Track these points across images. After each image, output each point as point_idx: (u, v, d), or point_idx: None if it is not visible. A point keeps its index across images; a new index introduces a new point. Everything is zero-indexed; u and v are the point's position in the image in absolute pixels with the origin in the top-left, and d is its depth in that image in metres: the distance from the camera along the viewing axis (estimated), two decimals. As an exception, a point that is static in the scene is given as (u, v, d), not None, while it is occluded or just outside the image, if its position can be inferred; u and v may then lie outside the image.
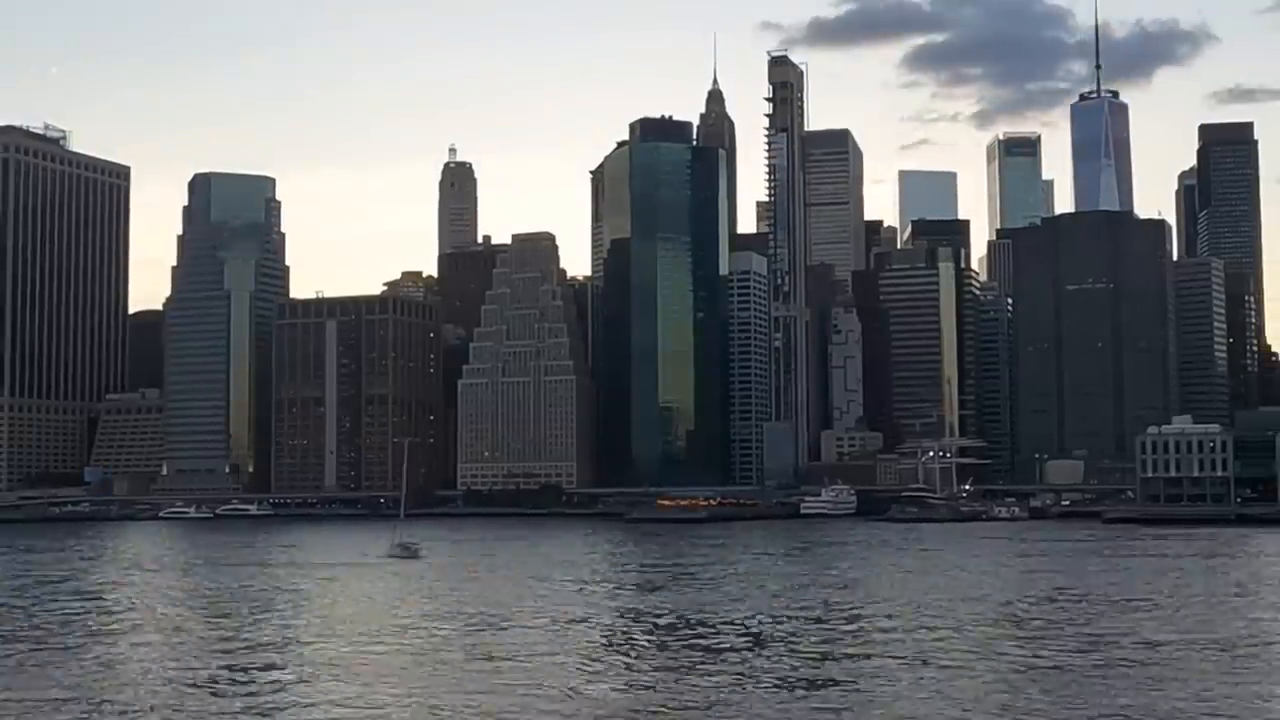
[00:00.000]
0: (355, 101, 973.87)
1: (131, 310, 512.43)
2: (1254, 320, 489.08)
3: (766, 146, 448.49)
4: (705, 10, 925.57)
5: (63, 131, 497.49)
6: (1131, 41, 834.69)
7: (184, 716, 55.48)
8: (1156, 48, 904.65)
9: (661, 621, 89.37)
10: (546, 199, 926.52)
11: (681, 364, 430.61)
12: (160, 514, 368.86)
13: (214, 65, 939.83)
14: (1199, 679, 62.43)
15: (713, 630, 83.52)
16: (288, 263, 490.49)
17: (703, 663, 68.89)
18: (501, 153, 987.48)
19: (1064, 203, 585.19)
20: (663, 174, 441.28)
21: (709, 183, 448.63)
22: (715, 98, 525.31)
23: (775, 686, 61.18)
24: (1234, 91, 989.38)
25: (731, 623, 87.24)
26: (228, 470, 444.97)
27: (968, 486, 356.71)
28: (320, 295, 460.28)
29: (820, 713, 55.21)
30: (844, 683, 62.19)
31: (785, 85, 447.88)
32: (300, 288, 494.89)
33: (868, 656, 70.94)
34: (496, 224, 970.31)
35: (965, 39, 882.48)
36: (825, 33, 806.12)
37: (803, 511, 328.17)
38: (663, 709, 56.23)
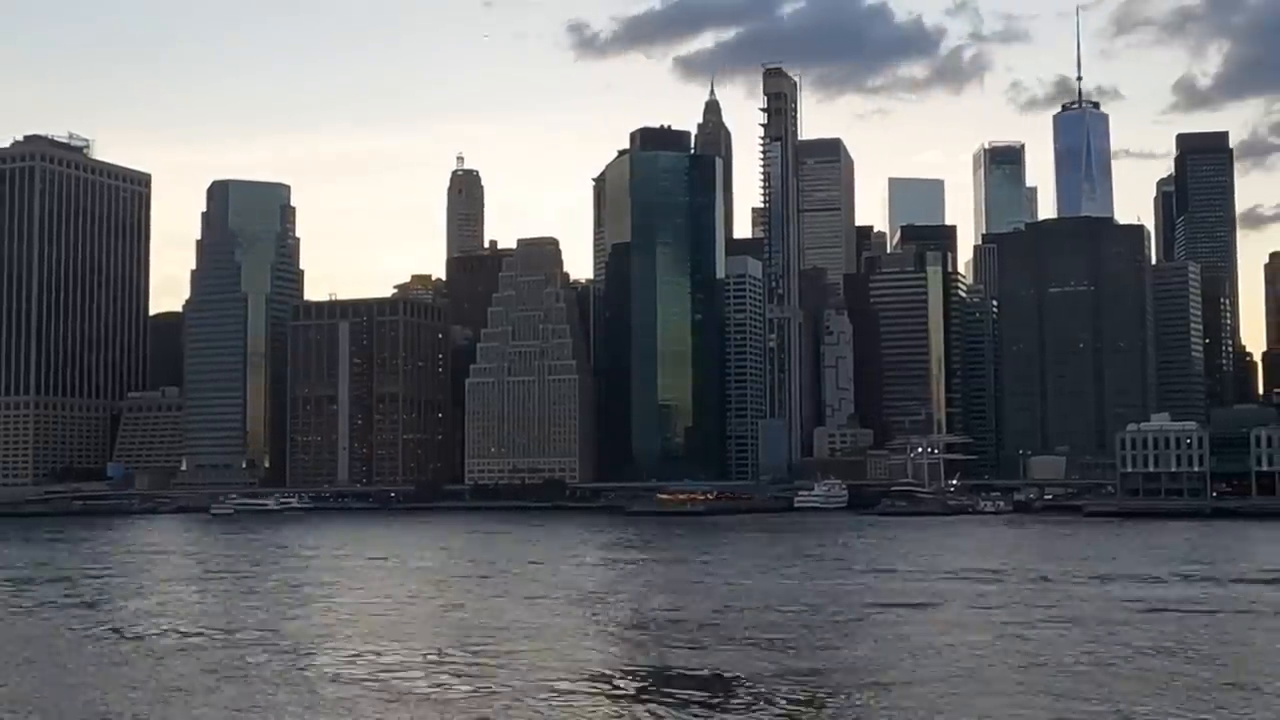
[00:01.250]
0: (368, 111, 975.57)
1: (152, 312, 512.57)
2: (1229, 322, 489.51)
3: (761, 155, 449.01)
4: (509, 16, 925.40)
5: (86, 140, 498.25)
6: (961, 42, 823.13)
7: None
8: (986, 46, 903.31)
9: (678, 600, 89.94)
10: (550, 205, 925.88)
11: (680, 363, 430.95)
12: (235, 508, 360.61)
13: (231, 77, 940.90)
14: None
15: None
16: (302, 266, 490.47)
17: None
18: (507, 161, 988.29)
19: (1047, 209, 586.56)
20: (662, 181, 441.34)
21: (706, 190, 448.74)
22: (712, 108, 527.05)
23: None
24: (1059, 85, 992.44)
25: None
26: (245, 465, 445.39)
27: (955, 481, 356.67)
28: (333, 298, 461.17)
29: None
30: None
31: (779, 96, 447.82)
32: (314, 290, 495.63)
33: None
34: (502, 229, 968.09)
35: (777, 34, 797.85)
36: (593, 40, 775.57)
37: (796, 505, 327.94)
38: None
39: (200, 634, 76.27)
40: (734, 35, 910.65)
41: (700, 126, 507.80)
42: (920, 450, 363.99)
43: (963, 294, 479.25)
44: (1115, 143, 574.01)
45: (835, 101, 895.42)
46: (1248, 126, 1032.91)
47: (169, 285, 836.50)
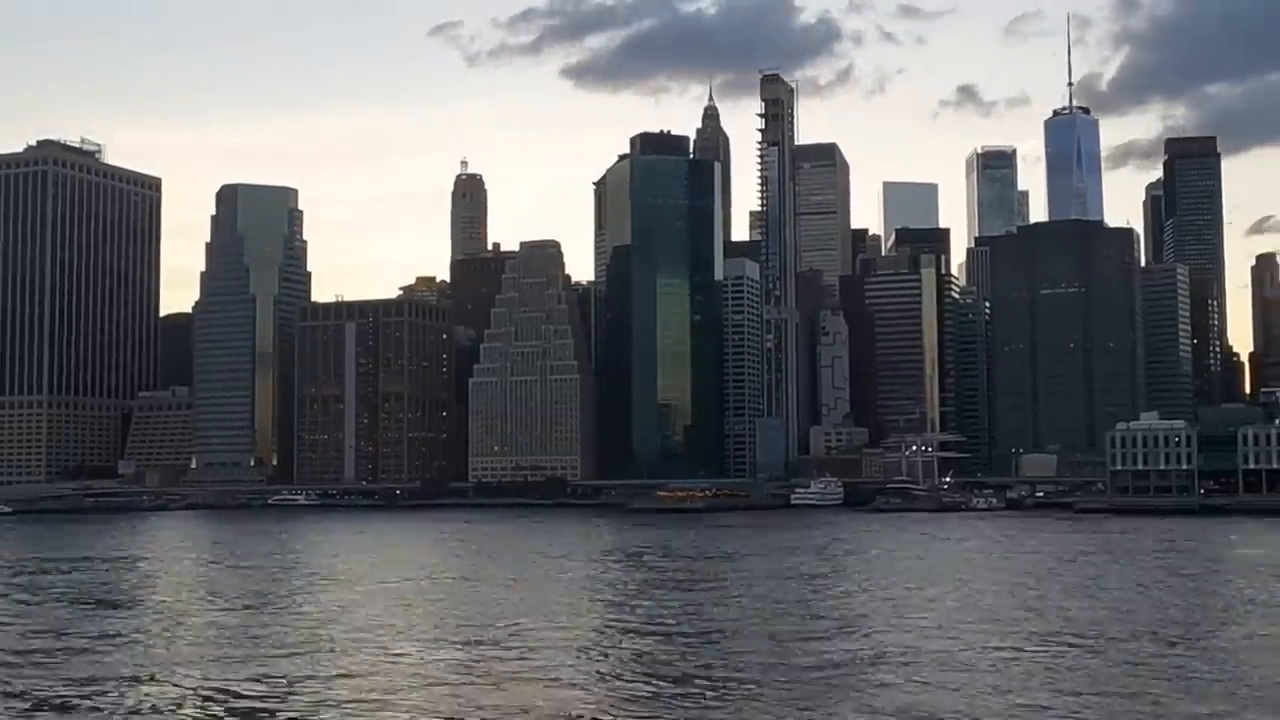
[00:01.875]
0: (374, 116, 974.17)
1: (163, 313, 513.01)
2: (1217, 322, 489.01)
3: (759, 159, 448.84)
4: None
5: (98, 145, 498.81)
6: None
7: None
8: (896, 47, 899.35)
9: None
10: (552, 209, 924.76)
11: (679, 364, 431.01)
12: (269, 501, 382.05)
13: (239, 82, 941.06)
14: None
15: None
16: (309, 268, 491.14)
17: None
18: (510, 165, 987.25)
19: (1038, 212, 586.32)
20: (661, 185, 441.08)
21: (705, 193, 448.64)
22: (711, 114, 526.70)
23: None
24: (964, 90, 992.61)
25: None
26: (253, 464, 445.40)
27: (948, 479, 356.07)
28: (340, 299, 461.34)
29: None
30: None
31: (776, 102, 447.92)
32: (321, 292, 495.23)
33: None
34: (505, 232, 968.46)
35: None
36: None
37: (793, 502, 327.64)
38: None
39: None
40: (623, 39, 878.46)
41: (699, 131, 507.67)
42: (914, 449, 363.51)
43: (956, 295, 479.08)
44: (1029, 148, 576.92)
45: (740, 103, 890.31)
46: (1150, 131, 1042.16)
47: (175, 277, 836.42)
